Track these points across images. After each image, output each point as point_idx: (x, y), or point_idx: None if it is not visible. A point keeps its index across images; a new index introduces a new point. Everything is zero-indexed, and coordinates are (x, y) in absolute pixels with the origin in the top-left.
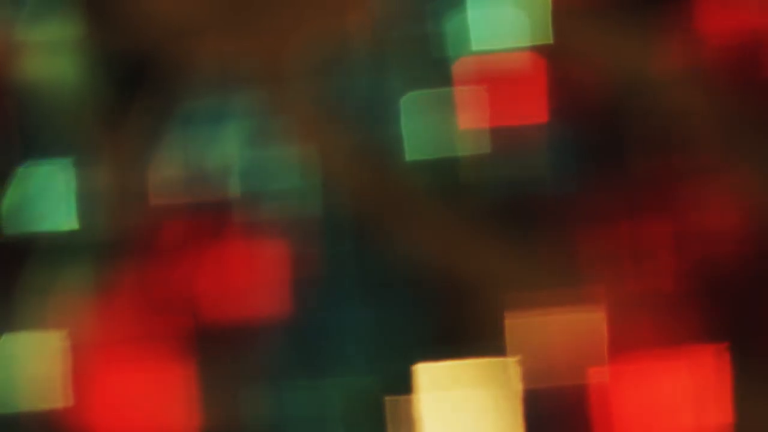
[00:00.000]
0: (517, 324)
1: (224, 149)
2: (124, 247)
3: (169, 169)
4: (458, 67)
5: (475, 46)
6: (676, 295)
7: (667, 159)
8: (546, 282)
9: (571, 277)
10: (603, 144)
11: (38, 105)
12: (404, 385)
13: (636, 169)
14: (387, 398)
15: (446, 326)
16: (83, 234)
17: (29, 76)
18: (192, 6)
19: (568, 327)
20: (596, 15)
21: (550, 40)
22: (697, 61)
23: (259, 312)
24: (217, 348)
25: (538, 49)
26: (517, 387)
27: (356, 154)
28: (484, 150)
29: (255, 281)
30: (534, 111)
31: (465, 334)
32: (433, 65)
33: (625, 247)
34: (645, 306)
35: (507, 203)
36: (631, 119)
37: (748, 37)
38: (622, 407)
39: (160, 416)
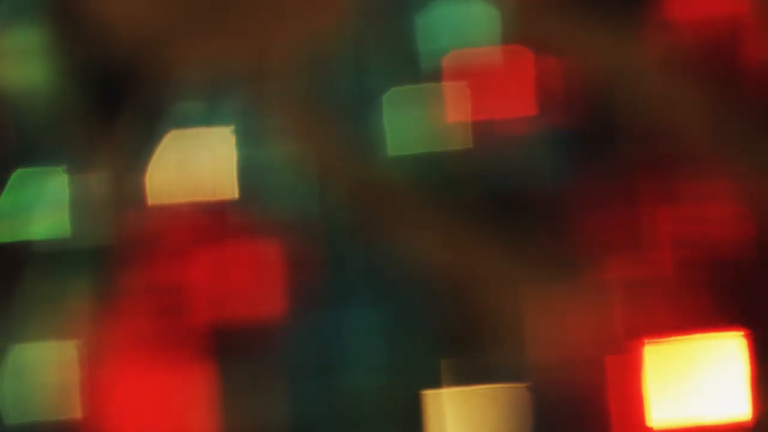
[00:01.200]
0: (529, 317)
1: (218, 150)
2: (123, 252)
3: (165, 172)
4: (440, 62)
5: (455, 42)
6: (681, 282)
7: (656, 148)
8: (551, 274)
9: (576, 267)
10: (589, 136)
11: (29, 113)
12: (419, 383)
13: (627, 159)
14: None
15: (453, 322)
16: (80, 240)
17: (16, 84)
18: (176, 8)
19: (583, 316)
20: (572, 8)
21: (528, 35)
22: (673, 51)
23: (263, 313)
24: (224, 350)
25: (519, 44)
26: (534, 379)
27: (343, 151)
28: (469, 144)
29: (256, 282)
30: (519, 104)
31: (474, 330)
32: (414, 61)
33: (626, 236)
34: (655, 294)
35: (497, 198)
36: (614, 110)
37: (722, 24)
38: (639, 393)
39: (172, 421)
